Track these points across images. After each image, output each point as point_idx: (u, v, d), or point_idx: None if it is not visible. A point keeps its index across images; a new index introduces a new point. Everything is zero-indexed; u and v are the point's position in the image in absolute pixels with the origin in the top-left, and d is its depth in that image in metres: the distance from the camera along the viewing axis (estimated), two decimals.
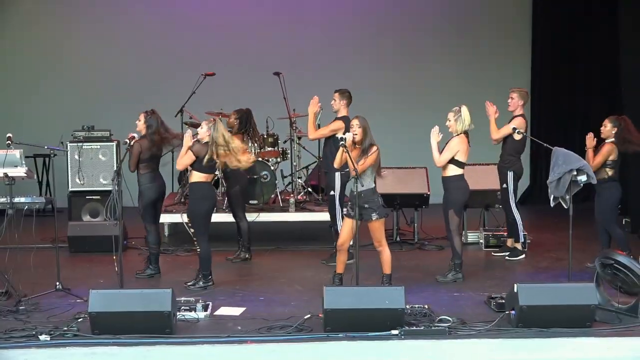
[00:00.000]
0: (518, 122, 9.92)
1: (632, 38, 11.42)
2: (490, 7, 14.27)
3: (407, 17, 14.18)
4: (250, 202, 10.92)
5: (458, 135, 8.86)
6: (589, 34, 13.87)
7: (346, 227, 8.34)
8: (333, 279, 8.51)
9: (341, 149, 8.18)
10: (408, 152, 13.11)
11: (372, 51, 14.12)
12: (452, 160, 8.86)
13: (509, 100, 10.00)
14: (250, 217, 10.45)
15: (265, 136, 11.36)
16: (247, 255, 10.02)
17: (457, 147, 8.83)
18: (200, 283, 8.71)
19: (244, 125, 10.46)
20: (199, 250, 8.72)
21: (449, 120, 8.90)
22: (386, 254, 8.40)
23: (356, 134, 8.27)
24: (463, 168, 8.93)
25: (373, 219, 8.23)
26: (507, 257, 10.02)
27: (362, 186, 8.11)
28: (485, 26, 14.22)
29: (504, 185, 9.95)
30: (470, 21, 14.23)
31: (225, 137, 8.53)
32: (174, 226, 11.49)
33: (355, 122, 8.32)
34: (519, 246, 10.05)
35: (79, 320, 7.34)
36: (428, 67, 14.21)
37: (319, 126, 9.87)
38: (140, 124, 9.03)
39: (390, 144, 13.41)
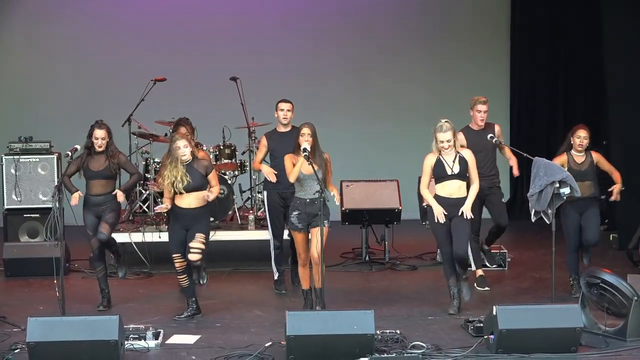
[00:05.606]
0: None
1: (616, 45, 11.48)
2: (466, 7, 14.35)
3: (373, 16, 14.19)
4: None
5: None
6: (569, 36, 14.01)
7: (301, 242, 8.41)
8: (304, 297, 8.56)
9: (302, 159, 8.15)
10: (377, 163, 13.15)
11: (333, 56, 14.08)
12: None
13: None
14: None
15: (221, 147, 11.36)
16: None
17: None
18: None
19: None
20: (204, 280, 8.72)
21: (454, 137, 8.45)
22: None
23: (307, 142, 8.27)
24: None
25: (326, 225, 8.16)
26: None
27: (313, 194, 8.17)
28: (462, 27, 14.28)
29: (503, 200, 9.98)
30: (447, 23, 14.29)
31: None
32: (121, 247, 11.36)
33: (306, 131, 8.32)
34: None
35: (16, 351, 7.28)
36: (399, 69, 14.19)
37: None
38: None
39: (355, 154, 13.54)
